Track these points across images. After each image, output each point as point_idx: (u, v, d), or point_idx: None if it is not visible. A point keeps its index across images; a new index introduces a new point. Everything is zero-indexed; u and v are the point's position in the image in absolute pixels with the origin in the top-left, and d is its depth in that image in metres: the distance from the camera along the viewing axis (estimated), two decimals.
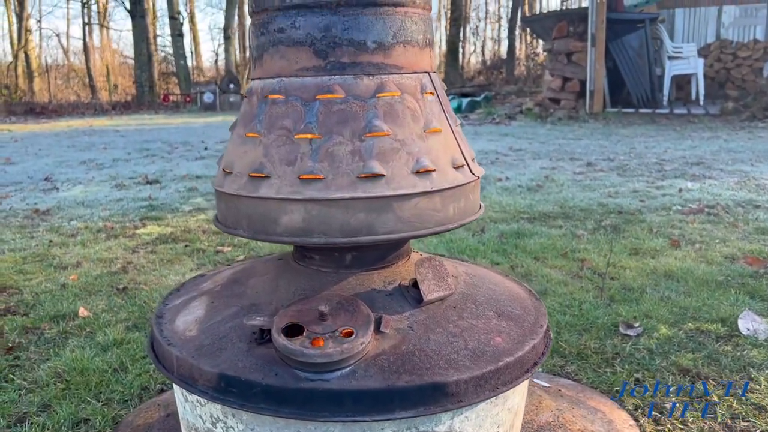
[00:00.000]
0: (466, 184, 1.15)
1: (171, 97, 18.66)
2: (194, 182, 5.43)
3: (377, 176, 1.06)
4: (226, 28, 20.11)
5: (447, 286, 1.17)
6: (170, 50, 25.17)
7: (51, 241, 3.54)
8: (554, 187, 4.81)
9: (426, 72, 1.18)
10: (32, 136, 10.27)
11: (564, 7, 27.36)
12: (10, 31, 26.47)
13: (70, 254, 3.31)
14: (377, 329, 1.06)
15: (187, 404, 1.15)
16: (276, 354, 1.03)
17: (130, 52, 28.19)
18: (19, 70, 24.08)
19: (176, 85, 22.21)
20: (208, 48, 64.73)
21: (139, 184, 5.40)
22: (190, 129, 10.92)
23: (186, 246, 3.43)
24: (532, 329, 1.18)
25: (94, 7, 28.25)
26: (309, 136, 1.08)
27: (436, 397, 0.99)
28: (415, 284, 1.18)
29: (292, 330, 1.04)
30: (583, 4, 28.49)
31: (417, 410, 0.99)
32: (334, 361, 0.98)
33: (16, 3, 24.70)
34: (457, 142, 1.18)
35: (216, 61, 32.32)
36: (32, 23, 26.82)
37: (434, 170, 1.10)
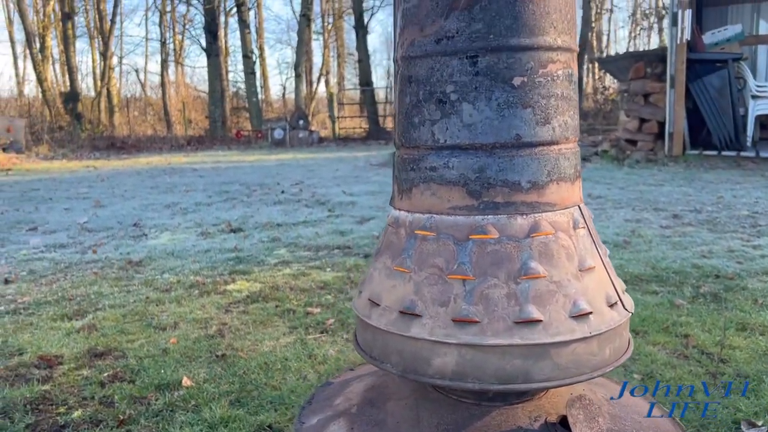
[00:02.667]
0: (621, 324, 1.11)
1: (243, 133, 19.26)
2: (276, 231, 5.54)
3: (534, 321, 1.04)
4: (297, 66, 20.70)
5: (598, 428, 1.13)
6: (241, 85, 26.11)
7: (147, 298, 3.67)
8: (642, 244, 4.65)
9: (576, 205, 1.16)
10: (116, 174, 10.77)
11: (632, 41, 26.86)
12: (93, 68, 28.08)
13: (167, 313, 3.41)
14: None
15: None
16: None
17: (202, 86, 29.38)
18: (102, 105, 25.47)
19: (247, 119, 22.98)
20: (276, 82, 66.81)
21: (223, 232, 5.56)
22: (264, 168, 11.21)
23: (276, 306, 3.48)
24: None
25: (170, 44, 29.67)
26: (462, 277, 1.07)
27: None
28: (562, 421, 1.14)
29: None
30: (653, 39, 27.94)
31: None
32: None
33: (101, 43, 26.23)
34: (609, 276, 1.15)
35: (283, 95, 33.31)
36: (114, 60, 28.37)
37: (591, 312, 1.07)
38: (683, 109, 9.07)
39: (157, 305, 3.54)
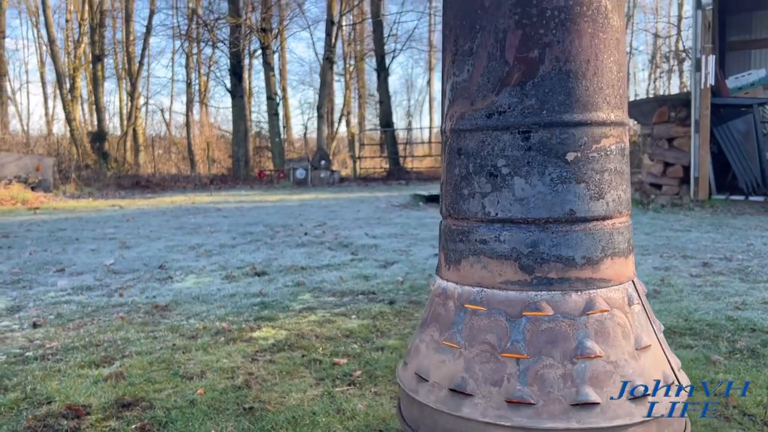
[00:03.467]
0: (679, 403, 1.07)
1: (265, 173, 19.47)
2: (300, 274, 5.54)
3: (592, 404, 1.00)
4: (319, 107, 21.00)
5: None
6: (264, 125, 26.52)
7: (174, 345, 3.66)
8: (673, 294, 4.56)
9: (631, 280, 1.13)
10: (141, 214, 10.90)
11: (652, 83, 26.94)
12: (120, 108, 28.75)
13: (194, 361, 3.40)
14: None
15: None
16: None
17: (226, 126, 29.88)
18: (128, 144, 25.98)
19: (269, 159, 23.26)
20: (297, 122, 67.88)
21: (248, 275, 5.56)
22: (286, 208, 11.29)
23: (303, 356, 3.45)
24: None
25: (195, 85, 30.32)
26: (516, 355, 1.04)
27: None
28: None
29: None
30: (673, 82, 28.00)
31: None
32: None
33: (129, 83, 26.90)
34: (665, 353, 1.12)
35: (305, 134, 33.74)
36: (141, 101, 29.02)
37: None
38: (708, 153, 9.01)
39: (183, 353, 3.53)
